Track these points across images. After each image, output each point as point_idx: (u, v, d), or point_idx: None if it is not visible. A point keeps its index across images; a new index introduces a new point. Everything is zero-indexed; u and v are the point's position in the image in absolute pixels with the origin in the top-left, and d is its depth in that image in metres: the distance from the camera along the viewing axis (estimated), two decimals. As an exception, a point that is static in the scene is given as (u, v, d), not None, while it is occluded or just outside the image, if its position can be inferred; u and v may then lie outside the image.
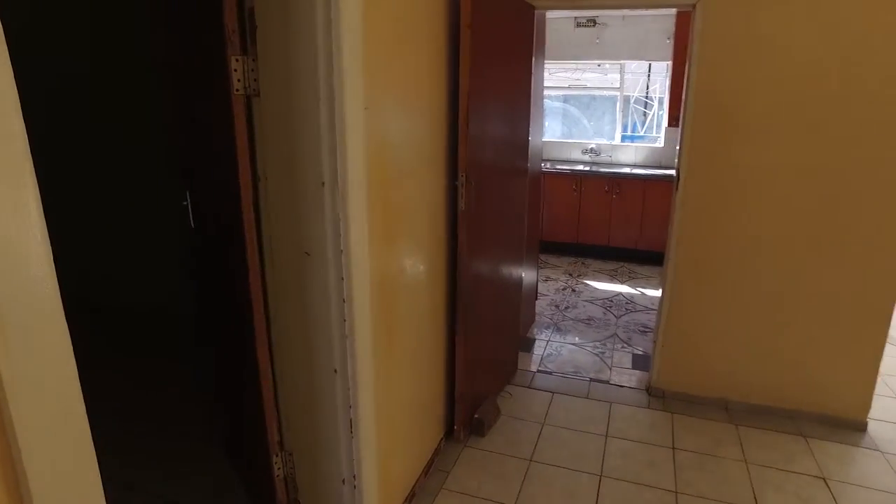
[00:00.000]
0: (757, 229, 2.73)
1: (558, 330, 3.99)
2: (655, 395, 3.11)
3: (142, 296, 3.99)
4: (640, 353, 3.66)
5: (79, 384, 0.81)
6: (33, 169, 0.71)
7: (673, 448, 2.66)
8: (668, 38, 5.26)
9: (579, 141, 6.17)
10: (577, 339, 3.86)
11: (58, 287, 0.76)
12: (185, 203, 2.24)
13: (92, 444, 0.85)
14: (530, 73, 2.92)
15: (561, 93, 6.46)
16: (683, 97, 2.74)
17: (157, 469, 2.38)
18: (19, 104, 0.69)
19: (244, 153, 1.52)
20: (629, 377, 3.35)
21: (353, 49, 1.44)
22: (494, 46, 2.45)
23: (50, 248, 0.74)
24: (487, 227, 2.62)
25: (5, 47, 0.67)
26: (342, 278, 1.54)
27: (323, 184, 1.48)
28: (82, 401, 0.82)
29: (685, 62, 2.74)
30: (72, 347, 0.79)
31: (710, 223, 2.80)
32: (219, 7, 1.40)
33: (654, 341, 3.11)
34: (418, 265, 2.14)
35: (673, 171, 2.96)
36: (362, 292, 1.61)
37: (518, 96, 2.84)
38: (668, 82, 5.44)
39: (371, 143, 1.61)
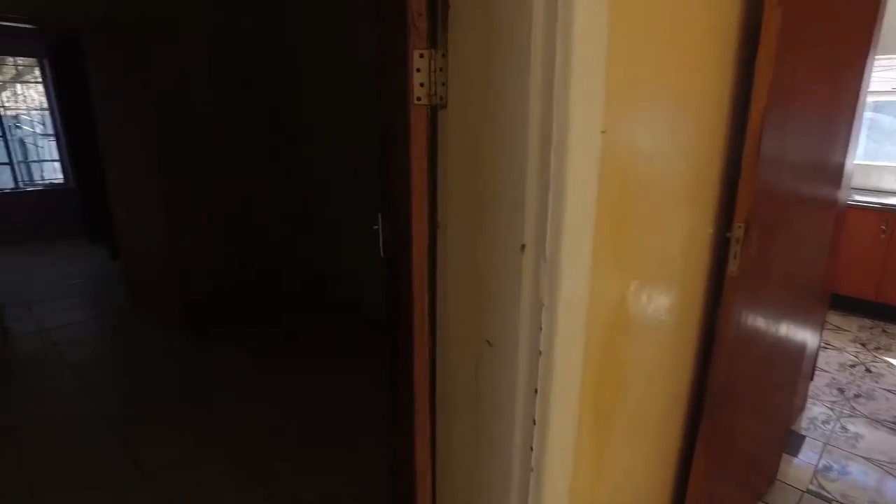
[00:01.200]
0: None
1: (843, 429, 2.87)
2: None
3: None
4: None
5: None
6: None
7: None
8: None
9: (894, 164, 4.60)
10: (875, 452, 2.70)
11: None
12: (375, 228, 1.93)
13: None
14: (863, 69, 1.98)
15: (871, 98, 4.89)
16: None
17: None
18: None
19: (420, 189, 1.08)
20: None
21: (589, 38, 0.88)
22: (814, 31, 1.63)
23: None
24: (768, 282, 1.82)
25: None
26: (535, 390, 1.00)
27: (523, 247, 0.95)
28: None
29: None
30: None
31: None
32: (402, -21, 0.96)
33: None
34: (652, 350, 1.49)
35: None
36: (564, 412, 1.04)
37: (839, 103, 1.93)
38: None
39: (604, 184, 1.03)
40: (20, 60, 6.93)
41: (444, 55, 1.01)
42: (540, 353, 0.97)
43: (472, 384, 1.11)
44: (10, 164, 6.97)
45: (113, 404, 2.89)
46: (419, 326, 1.15)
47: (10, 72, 7.09)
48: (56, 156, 7.24)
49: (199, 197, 4.26)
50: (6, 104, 7.07)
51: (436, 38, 1.02)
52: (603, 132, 0.96)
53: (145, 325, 3.99)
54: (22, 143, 7.21)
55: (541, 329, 0.96)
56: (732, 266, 1.58)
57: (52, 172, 7.31)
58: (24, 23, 3.54)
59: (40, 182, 7.22)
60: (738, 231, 1.55)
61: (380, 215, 1.89)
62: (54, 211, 6.74)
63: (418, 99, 1.04)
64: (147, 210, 3.65)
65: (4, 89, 7.20)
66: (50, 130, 7.19)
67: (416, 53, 1.01)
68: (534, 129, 0.90)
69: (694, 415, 1.82)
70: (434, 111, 1.07)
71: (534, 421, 1.02)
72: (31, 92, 7.19)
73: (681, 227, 1.46)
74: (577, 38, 0.86)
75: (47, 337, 3.80)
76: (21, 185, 7.03)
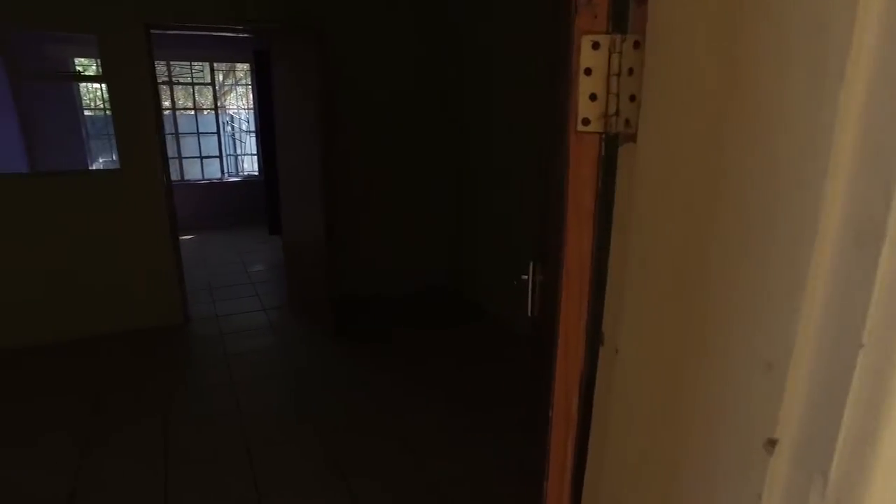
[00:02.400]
0: None
1: None
2: None
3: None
4: None
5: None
6: None
7: None
8: None
9: None
10: None
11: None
12: (524, 277, 1.49)
13: None
14: None
15: None
16: None
17: None
18: None
19: (577, 276, 0.63)
20: None
21: None
22: None
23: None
24: None
25: None
26: None
27: (773, 444, 0.46)
28: None
29: None
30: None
31: None
32: None
33: None
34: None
35: None
36: None
37: None
38: None
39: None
40: (241, 66, 7.76)
41: (636, 45, 0.55)
42: None
43: None
44: (220, 157, 7.82)
45: (246, 407, 2.86)
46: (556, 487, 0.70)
47: (234, 77, 8.03)
48: (255, 150, 7.98)
49: (357, 199, 4.22)
50: (226, 104, 7.99)
51: (624, 15, 0.56)
52: None
53: (298, 322, 4.04)
54: (232, 138, 8.08)
55: None
56: None
57: (251, 165, 8.07)
58: (227, 31, 3.74)
59: (241, 174, 8.01)
60: None
61: (531, 264, 1.45)
62: (248, 201, 7.39)
63: (585, 122, 0.59)
64: (306, 206, 3.66)
65: (231, 91, 8.15)
66: (252, 127, 7.93)
67: (585, 41, 0.56)
68: (836, 196, 0.41)
69: None
70: (613, 144, 0.61)
71: None
72: (249, 93, 8.04)
73: None
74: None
75: (216, 324, 4.01)
76: (226, 176, 7.86)
